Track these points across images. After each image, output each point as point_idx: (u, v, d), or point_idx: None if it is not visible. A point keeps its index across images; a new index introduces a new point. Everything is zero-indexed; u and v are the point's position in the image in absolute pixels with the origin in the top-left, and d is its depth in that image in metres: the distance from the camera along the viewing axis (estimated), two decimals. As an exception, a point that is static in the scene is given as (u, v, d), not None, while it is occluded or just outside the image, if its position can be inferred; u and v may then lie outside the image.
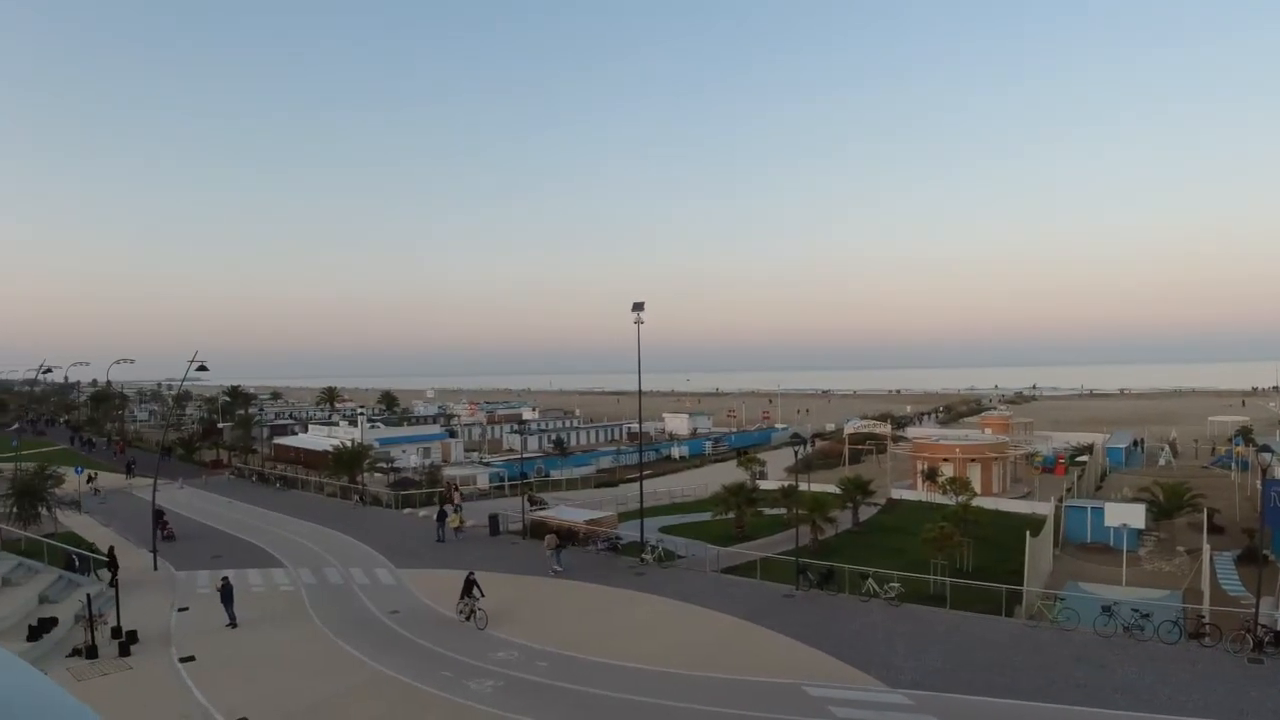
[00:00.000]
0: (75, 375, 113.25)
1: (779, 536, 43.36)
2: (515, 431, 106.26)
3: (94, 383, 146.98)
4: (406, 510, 52.31)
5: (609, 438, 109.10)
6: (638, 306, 37.50)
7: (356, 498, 56.55)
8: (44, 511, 43.26)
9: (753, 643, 26.90)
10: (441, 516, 44.29)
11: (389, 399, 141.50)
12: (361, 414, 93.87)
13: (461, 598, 29.25)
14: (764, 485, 58.35)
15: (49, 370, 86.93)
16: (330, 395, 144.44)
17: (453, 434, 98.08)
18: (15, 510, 42.30)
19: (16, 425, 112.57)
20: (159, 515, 41.81)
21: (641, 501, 42.07)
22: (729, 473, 64.64)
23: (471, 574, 29.68)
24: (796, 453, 39.90)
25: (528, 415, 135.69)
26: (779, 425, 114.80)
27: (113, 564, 34.19)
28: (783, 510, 46.61)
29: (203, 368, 39.47)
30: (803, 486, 41.85)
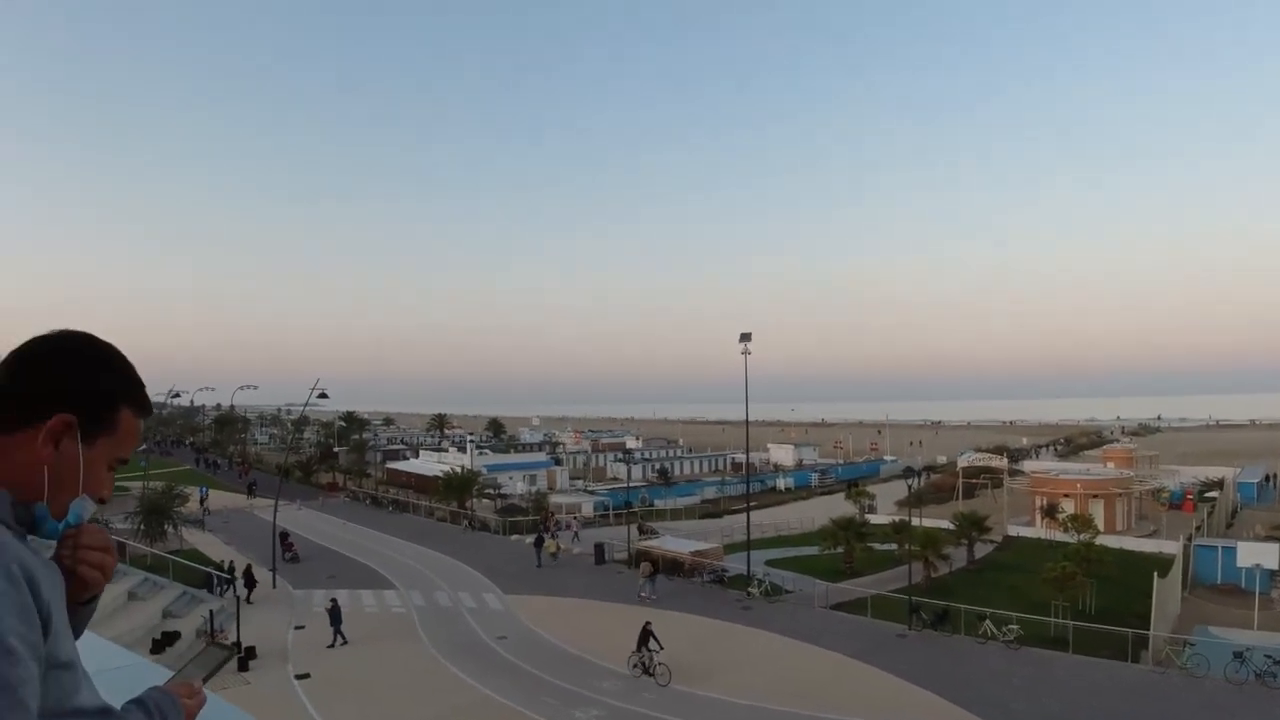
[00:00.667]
0: (201, 399, 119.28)
1: (889, 573, 42.19)
2: (619, 460, 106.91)
3: (217, 406, 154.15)
4: (514, 536, 52.90)
5: (713, 468, 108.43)
6: (745, 337, 37.34)
7: (466, 523, 57.56)
8: (169, 529, 45.30)
9: (864, 682, 26.20)
10: (539, 542, 45.08)
11: (496, 426, 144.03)
12: (471, 441, 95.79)
13: (637, 649, 26.77)
14: (874, 519, 56.93)
15: (177, 395, 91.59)
16: (440, 422, 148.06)
17: (558, 461, 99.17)
18: (142, 527, 44.31)
19: (144, 446, 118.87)
20: (284, 537, 43.24)
21: (748, 533, 41.59)
22: (836, 506, 63.34)
23: (648, 624, 27.40)
24: (910, 486, 38.88)
25: (631, 444, 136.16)
26: (888, 457, 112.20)
27: (249, 581, 35.60)
28: (893, 546, 45.37)
29: (323, 395, 41.00)
30: (915, 521, 40.71)
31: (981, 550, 48.67)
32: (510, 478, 79.39)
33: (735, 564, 41.28)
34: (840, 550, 43.31)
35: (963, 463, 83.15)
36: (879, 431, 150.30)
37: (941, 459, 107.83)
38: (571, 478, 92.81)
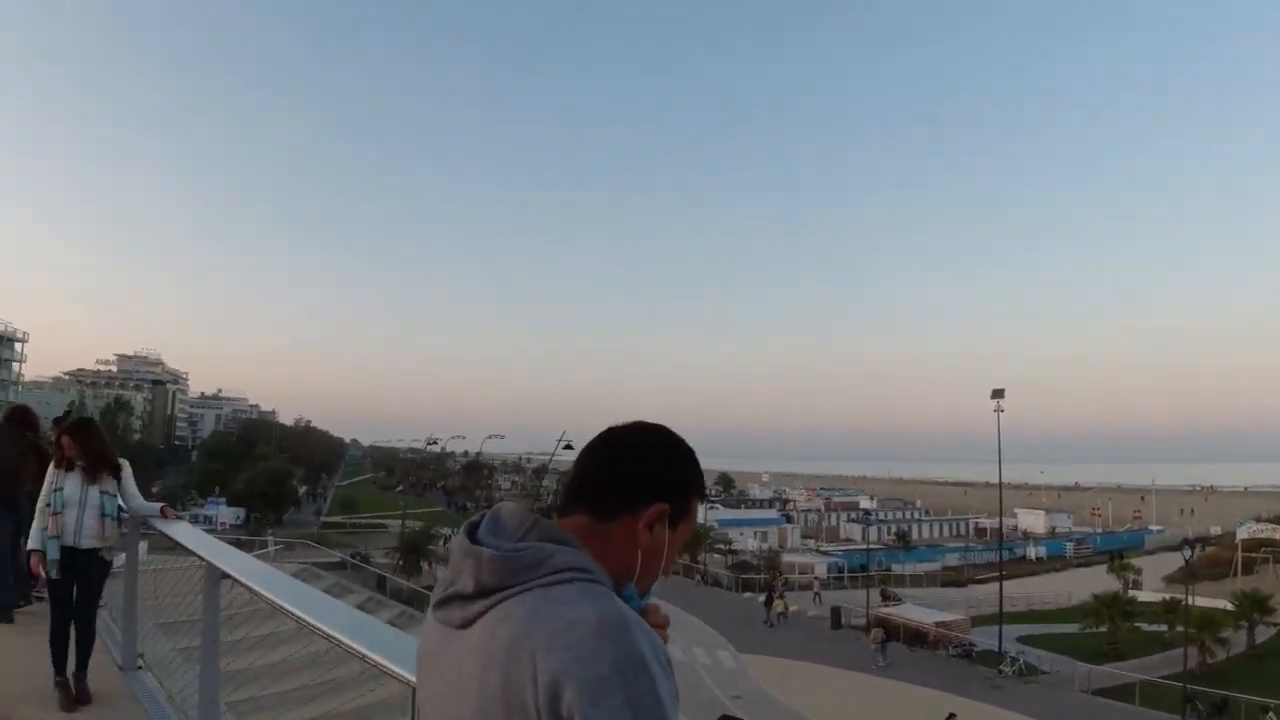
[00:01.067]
0: (453, 446, 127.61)
1: (1157, 658, 38.16)
2: (853, 520, 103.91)
3: (465, 454, 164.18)
4: (746, 594, 52.35)
5: (954, 532, 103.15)
6: (997, 393, 35.39)
7: (698, 578, 57.65)
8: (425, 566, 48.34)
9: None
10: (769, 601, 44.54)
11: (725, 480, 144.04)
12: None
13: None
14: (1139, 596, 51.78)
15: (435, 441, 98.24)
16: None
17: (789, 519, 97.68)
18: (401, 563, 47.50)
19: (400, 488, 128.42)
20: None
21: (1001, 606, 38.92)
22: (1095, 580, 58.41)
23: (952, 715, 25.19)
24: (1188, 559, 35.08)
25: (865, 504, 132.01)
26: (1153, 526, 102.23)
27: None
28: (1163, 627, 41.05)
29: (569, 446, 42.54)
30: (1188, 600, 36.65)
31: (1263, 634, 43.12)
32: (741, 533, 78.97)
33: (983, 638, 38.79)
34: (1103, 629, 39.65)
35: (1242, 534, 74.03)
36: (1142, 498, 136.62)
37: (1215, 529, 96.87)
38: (803, 536, 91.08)
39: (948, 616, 41.16)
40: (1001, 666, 34.33)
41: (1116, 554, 72.62)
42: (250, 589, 3.58)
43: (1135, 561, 66.69)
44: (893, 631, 39.22)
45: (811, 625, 43.37)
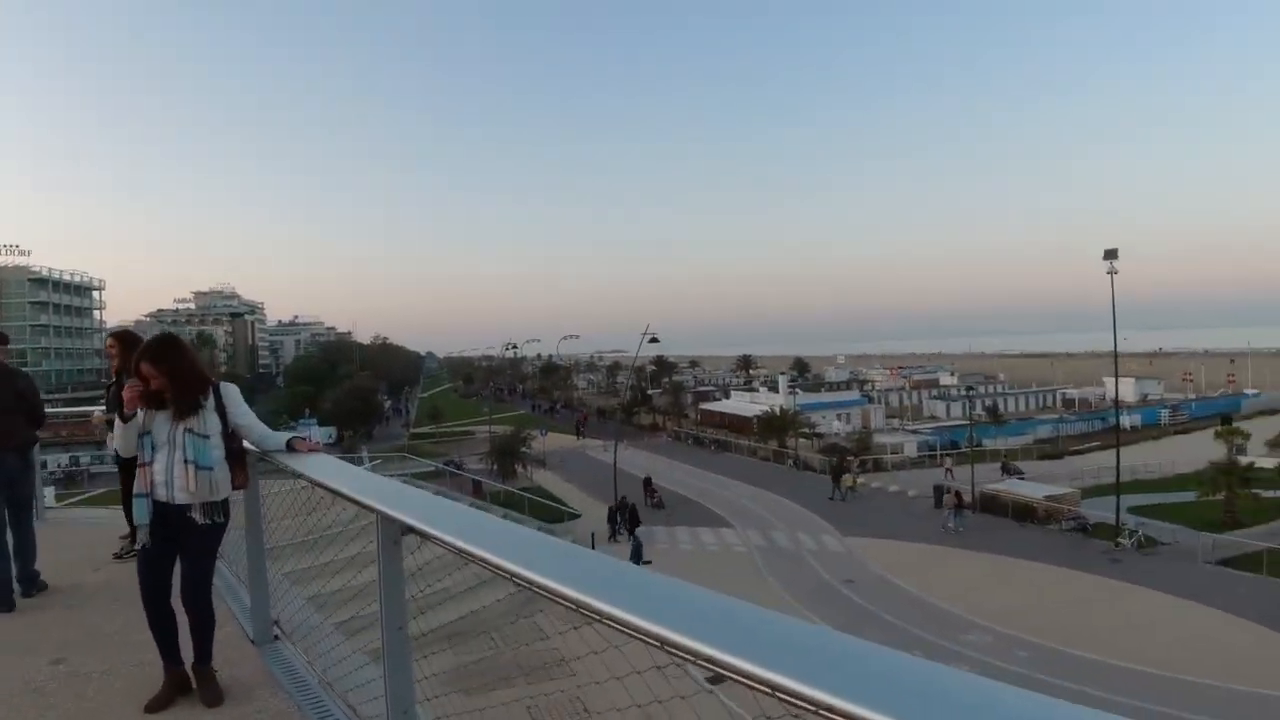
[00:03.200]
0: (526, 350, 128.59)
1: (1277, 525, 36.86)
2: (936, 397, 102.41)
3: (537, 357, 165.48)
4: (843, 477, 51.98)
5: (1040, 404, 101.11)
6: (1110, 254, 33.55)
7: (790, 462, 57.43)
8: (520, 468, 48.89)
9: (1275, 652, 22.84)
10: (836, 477, 46.68)
11: (800, 365, 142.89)
12: (784, 379, 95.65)
13: None
14: (1245, 461, 49.97)
15: (515, 347, 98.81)
16: (746, 362, 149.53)
17: (870, 400, 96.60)
18: (495, 467, 48.06)
19: (482, 394, 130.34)
20: (648, 483, 44.56)
21: (1118, 474, 37.71)
22: (1194, 446, 56.71)
23: None
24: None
25: (945, 380, 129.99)
26: (1249, 390, 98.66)
27: (633, 519, 37.41)
28: (1281, 493, 39.66)
29: (654, 339, 42.02)
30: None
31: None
32: (824, 416, 78.34)
33: (1092, 510, 37.93)
34: (1219, 497, 38.35)
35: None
36: (1231, 361, 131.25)
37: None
38: (886, 416, 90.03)
39: (1058, 490, 40.24)
40: (1119, 539, 33.41)
41: (1226, 418, 70.05)
42: (455, 547, 2.45)
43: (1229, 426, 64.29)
44: (959, 496, 38.72)
45: (916, 507, 42.81)
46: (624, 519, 37.81)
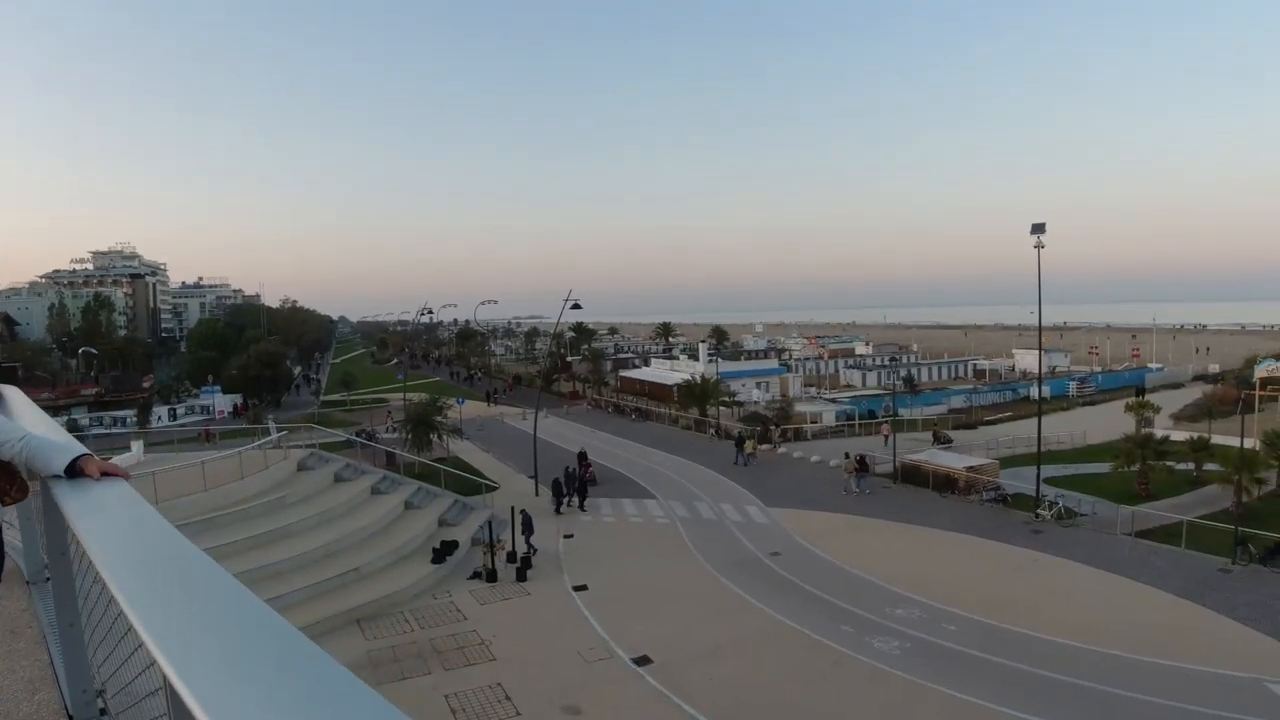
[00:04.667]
0: (443, 316, 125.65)
1: (1188, 498, 37.44)
2: (852, 366, 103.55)
3: (454, 322, 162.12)
4: (764, 446, 51.66)
5: (953, 374, 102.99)
6: (1038, 228, 33.44)
7: (712, 431, 56.91)
8: (435, 439, 47.10)
9: (1194, 624, 22.98)
10: (740, 442, 47.54)
11: (719, 333, 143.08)
12: (704, 347, 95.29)
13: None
14: (1163, 434, 51.25)
15: (430, 312, 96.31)
16: (665, 330, 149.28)
17: (789, 369, 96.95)
18: (410, 437, 46.20)
19: (396, 360, 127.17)
20: (583, 457, 42.50)
21: (1039, 446, 37.85)
22: (1104, 418, 58.15)
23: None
24: (1240, 402, 33.90)
25: (860, 350, 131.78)
26: (1153, 365, 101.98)
27: (583, 490, 36.85)
28: (1190, 466, 40.51)
29: (576, 305, 40.73)
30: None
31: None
32: (743, 385, 78.16)
33: (1014, 482, 38.18)
34: (1135, 469, 38.99)
35: (1260, 372, 73.49)
36: (1133, 336, 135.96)
37: (1214, 368, 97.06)
38: (804, 385, 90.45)
39: (978, 460, 40.43)
40: (1039, 510, 33.59)
41: (1138, 390, 71.94)
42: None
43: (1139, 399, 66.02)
44: (923, 479, 38.77)
45: (828, 475, 42.56)
46: (573, 489, 37.05)
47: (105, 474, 2.45)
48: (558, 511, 36.04)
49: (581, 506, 36.73)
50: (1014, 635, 22.06)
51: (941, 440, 51.52)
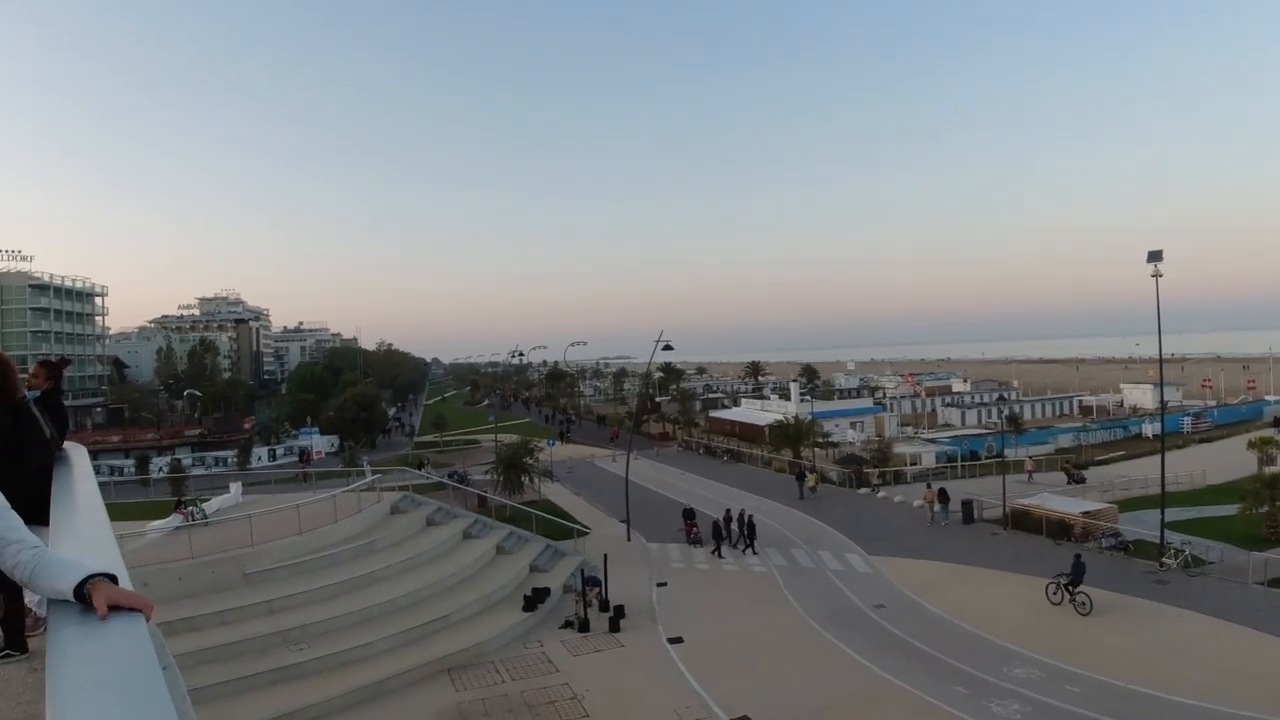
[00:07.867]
0: (533, 357, 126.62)
1: (1324, 541, 34.88)
2: (949, 405, 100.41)
3: (544, 363, 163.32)
4: (862, 490, 50.13)
5: (1057, 411, 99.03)
6: (1154, 256, 31.69)
7: (807, 474, 55.55)
8: (526, 481, 46.88)
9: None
10: (800, 477, 50.43)
11: (809, 372, 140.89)
12: (795, 386, 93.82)
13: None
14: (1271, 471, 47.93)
15: (521, 354, 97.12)
16: (755, 369, 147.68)
17: (883, 407, 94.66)
18: (501, 480, 46.06)
19: (486, 402, 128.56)
20: (689, 515, 40.52)
21: (1163, 487, 35.58)
22: (1220, 455, 54.90)
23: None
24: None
25: (958, 386, 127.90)
26: (1269, 397, 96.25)
27: (752, 532, 37.08)
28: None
29: (668, 347, 40.25)
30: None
31: None
32: (836, 425, 76.46)
33: (1132, 527, 36.03)
34: (1263, 511, 36.40)
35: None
36: (1245, 367, 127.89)
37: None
38: (900, 424, 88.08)
39: (1094, 505, 38.31)
40: (1164, 559, 31.48)
41: (1277, 421, 67.78)
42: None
43: (1260, 434, 62.19)
44: (1034, 524, 36.93)
45: (950, 524, 40.87)
46: (742, 533, 37.03)
47: (117, 606, 1.84)
48: (718, 555, 36.01)
49: (752, 549, 36.48)
50: (1145, 698, 20.45)
51: (1075, 478, 49.79)
